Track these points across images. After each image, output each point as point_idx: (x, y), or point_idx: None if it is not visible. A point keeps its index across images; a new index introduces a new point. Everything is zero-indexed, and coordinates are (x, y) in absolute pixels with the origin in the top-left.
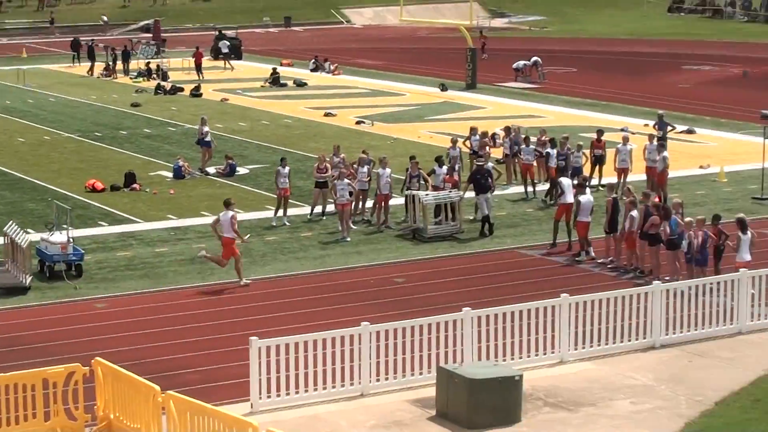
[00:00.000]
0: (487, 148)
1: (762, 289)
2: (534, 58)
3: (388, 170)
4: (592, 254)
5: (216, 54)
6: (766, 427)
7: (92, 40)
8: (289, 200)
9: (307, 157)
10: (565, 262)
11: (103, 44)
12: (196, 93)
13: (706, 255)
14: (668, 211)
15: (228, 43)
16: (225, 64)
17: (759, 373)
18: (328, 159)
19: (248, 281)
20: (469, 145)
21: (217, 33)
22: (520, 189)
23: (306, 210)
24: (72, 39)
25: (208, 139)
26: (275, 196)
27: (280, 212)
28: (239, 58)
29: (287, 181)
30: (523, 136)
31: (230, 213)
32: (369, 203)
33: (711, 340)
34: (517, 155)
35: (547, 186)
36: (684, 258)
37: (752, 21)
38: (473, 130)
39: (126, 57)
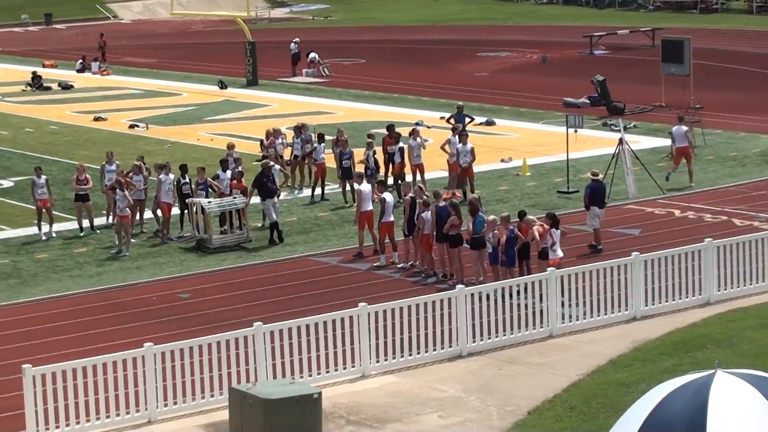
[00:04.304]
0: (277, 148)
1: (572, 288)
2: (311, 55)
3: (171, 176)
4: (394, 258)
5: None
6: None
7: None
8: (53, 213)
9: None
10: (364, 268)
11: None
12: None
13: (513, 255)
14: (474, 207)
15: None
16: None
17: (572, 378)
18: (100, 167)
19: None
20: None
21: None
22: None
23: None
24: None
25: None
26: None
27: (46, 226)
28: None
29: (45, 191)
30: (314, 134)
31: (684, 128)
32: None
33: (521, 345)
34: (309, 156)
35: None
36: (489, 259)
37: (549, 3)
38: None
39: None
